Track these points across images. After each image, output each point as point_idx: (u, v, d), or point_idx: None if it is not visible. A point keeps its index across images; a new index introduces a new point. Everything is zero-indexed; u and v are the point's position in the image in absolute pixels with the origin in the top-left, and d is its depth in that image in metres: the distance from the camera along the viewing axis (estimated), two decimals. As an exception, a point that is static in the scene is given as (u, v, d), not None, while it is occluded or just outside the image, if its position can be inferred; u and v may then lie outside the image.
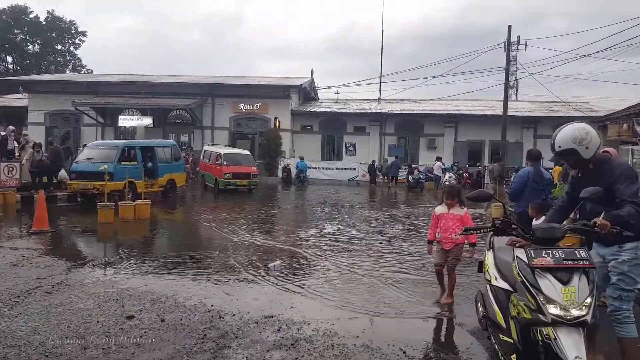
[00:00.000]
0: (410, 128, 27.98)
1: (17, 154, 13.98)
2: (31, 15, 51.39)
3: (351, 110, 28.58)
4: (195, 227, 10.42)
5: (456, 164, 25.40)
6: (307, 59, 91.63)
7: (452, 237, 5.06)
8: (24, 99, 30.41)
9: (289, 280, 6.11)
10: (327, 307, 5.06)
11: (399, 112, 28.14)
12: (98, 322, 4.37)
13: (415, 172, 23.31)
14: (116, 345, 3.86)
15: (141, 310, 4.72)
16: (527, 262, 2.89)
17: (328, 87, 50.12)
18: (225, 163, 18.62)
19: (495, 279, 3.56)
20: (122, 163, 13.82)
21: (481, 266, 4.13)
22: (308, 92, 31.17)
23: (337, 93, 31.91)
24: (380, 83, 33.31)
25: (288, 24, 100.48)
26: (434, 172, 22.88)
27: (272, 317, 4.64)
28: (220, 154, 19.17)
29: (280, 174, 25.10)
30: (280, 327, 4.36)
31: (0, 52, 51.20)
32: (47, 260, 6.82)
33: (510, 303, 3.11)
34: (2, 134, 14.76)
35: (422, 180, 22.81)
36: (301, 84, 28.56)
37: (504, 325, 3.28)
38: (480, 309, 4.16)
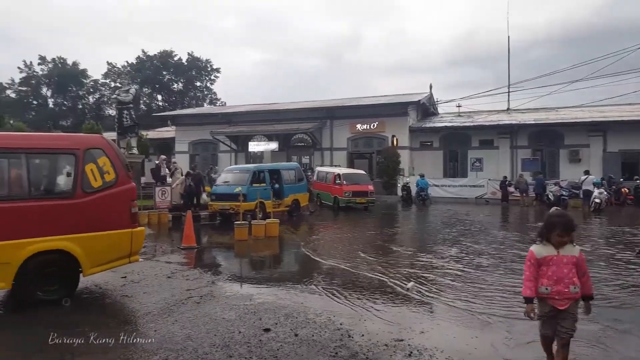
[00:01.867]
0: (547, 139, 25.52)
1: (168, 179, 16.00)
2: (175, 58, 59.12)
3: (476, 123, 27.16)
4: (321, 245, 10.81)
5: (611, 177, 21.83)
6: (425, 73, 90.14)
7: (571, 290, 3.48)
8: (171, 131, 34.82)
9: (418, 303, 5.98)
10: (461, 336, 4.81)
11: (533, 122, 25.91)
12: (240, 332, 4.76)
13: (555, 187, 20.89)
14: (257, 356, 4.15)
15: (276, 324, 5.02)
16: None
17: (449, 101, 48.05)
18: (344, 182, 19.56)
19: None
20: (253, 185, 15.01)
21: None
22: (427, 108, 30.60)
23: (458, 106, 30.44)
24: (509, 92, 30.62)
25: (404, 40, 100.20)
26: (583, 188, 19.41)
27: (402, 340, 4.56)
28: (339, 174, 20.08)
29: (399, 192, 24.77)
30: (412, 353, 4.25)
31: (152, 91, 59.56)
32: (195, 273, 7.65)
33: None
34: (156, 162, 17.07)
35: (565, 197, 20.01)
36: (419, 100, 28.19)
37: None
38: None
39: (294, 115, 29.86)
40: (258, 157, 30.12)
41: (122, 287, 6.58)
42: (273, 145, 29.18)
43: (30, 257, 5.31)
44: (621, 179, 22.45)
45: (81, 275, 5.78)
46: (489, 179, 24.36)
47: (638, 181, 21.47)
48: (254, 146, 29.63)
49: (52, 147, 5.91)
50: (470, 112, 30.20)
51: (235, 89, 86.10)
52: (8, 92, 53.81)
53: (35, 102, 57.08)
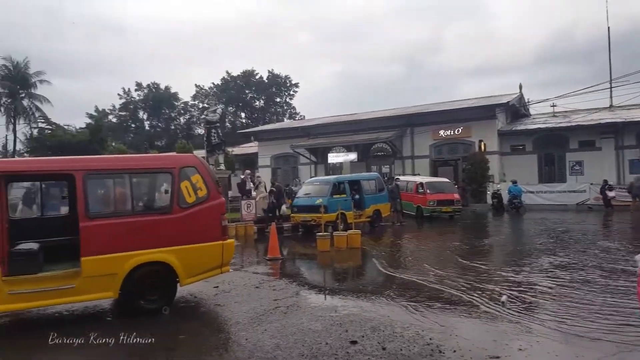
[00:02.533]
0: (660, 137, 22.76)
1: (253, 193, 16.69)
2: (257, 77, 61.92)
3: (574, 123, 24.97)
4: (405, 257, 10.59)
5: None
6: (513, 74, 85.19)
7: None
8: (254, 147, 36.38)
9: (511, 319, 5.63)
10: (565, 354, 4.46)
11: (643, 118, 23.23)
12: (327, 344, 4.79)
13: None
14: (345, 368, 4.16)
15: (363, 337, 4.98)
16: None
17: (542, 101, 44.22)
18: (428, 191, 19.10)
19: None
20: (334, 196, 15.13)
21: None
22: (517, 109, 28.93)
23: (553, 106, 28.23)
24: (611, 88, 27.47)
25: (489, 39, 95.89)
26: None
27: (498, 358, 4.34)
28: (422, 182, 19.77)
29: (489, 200, 23.53)
30: None
31: (236, 109, 62.82)
32: (281, 283, 7.86)
33: None
34: (242, 177, 17.88)
35: None
36: (508, 101, 26.70)
37: None
38: None
39: (373, 124, 29.76)
40: (337, 168, 30.39)
41: (215, 297, 6.94)
42: (352, 156, 29.30)
43: (134, 268, 5.79)
44: None
45: (178, 285, 6.18)
46: (591, 184, 22.17)
47: None
48: (333, 157, 29.96)
49: (151, 167, 6.50)
50: (566, 111, 27.86)
51: (314, 102, 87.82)
52: (110, 117, 59.48)
53: (133, 125, 62.56)
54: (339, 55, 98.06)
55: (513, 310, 5.91)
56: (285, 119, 59.70)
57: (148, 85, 61.34)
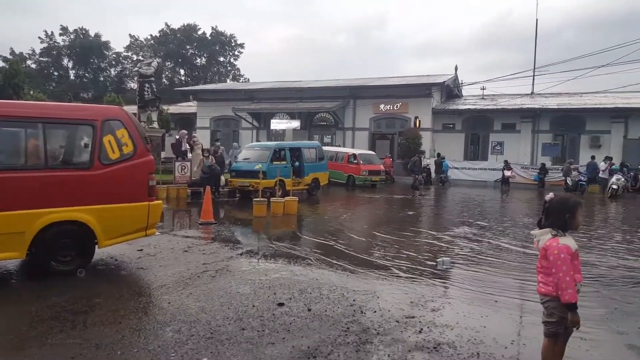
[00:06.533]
0: (568, 124, 25.16)
1: (188, 154, 16.05)
2: (199, 32, 58.83)
3: (499, 107, 26.86)
4: (339, 222, 10.75)
5: (626, 165, 21.57)
6: (452, 56, 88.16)
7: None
8: (193, 107, 34.95)
9: (432, 282, 5.97)
10: (472, 314, 4.80)
11: (556, 107, 25.59)
12: (254, 306, 4.77)
13: (574, 172, 20.78)
14: (269, 329, 4.17)
15: (290, 299, 5.03)
16: None
17: (473, 83, 46.53)
18: (361, 162, 20.61)
19: None
20: (274, 163, 14.96)
21: None
22: (451, 90, 30.06)
23: (483, 89, 30.03)
24: (534, 76, 30.28)
25: (433, 21, 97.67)
26: (599, 174, 20.19)
27: (413, 317, 4.61)
28: (354, 154, 21.20)
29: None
30: (422, 329, 4.30)
31: (175, 65, 59.66)
32: (212, 248, 7.69)
33: None
34: (177, 137, 17.12)
35: (584, 183, 20.30)
36: (444, 82, 27.71)
37: None
38: None
39: (317, 93, 29.59)
40: (280, 135, 30.05)
41: (138, 260, 6.64)
42: (295, 124, 29.06)
43: (45, 227, 5.32)
44: (639, 166, 22.07)
45: (97, 246, 5.81)
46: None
47: None
48: (276, 124, 29.55)
49: (70, 117, 5.84)
50: (494, 95, 29.82)
51: (259, 65, 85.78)
52: (28, 62, 53.24)
53: (56, 74, 56.91)
54: (288, 19, 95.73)
55: (433, 275, 6.27)
56: (228, 80, 57.65)
57: (75, 31, 56.04)
